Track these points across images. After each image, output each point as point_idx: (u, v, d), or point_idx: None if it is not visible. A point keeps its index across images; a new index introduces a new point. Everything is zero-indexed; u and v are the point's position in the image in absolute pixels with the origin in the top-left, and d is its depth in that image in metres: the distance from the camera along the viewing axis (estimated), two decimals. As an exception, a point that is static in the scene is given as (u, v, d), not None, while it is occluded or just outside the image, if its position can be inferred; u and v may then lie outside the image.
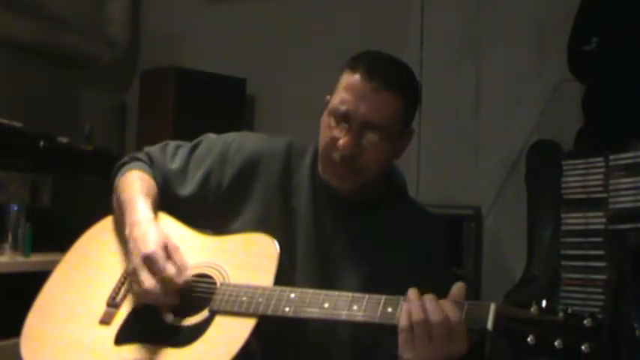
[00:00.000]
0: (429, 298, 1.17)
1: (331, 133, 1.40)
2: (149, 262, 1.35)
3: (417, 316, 1.15)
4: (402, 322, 1.17)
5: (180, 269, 1.36)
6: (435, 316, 1.14)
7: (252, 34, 3.55)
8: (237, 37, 3.58)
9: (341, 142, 1.38)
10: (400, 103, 1.40)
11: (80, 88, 3.66)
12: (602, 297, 2.22)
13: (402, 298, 1.20)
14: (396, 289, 1.24)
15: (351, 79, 1.40)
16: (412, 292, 1.19)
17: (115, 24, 3.64)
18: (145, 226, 1.42)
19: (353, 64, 1.41)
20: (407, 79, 1.45)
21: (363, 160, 1.40)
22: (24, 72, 3.31)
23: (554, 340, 1.07)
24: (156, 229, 1.41)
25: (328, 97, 1.47)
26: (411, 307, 1.17)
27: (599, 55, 2.39)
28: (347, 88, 1.40)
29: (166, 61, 3.44)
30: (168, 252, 1.37)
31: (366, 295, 1.24)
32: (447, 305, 1.16)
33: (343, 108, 1.38)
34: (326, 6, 3.39)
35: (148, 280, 1.34)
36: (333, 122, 1.40)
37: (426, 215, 1.57)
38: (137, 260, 1.36)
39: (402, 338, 1.17)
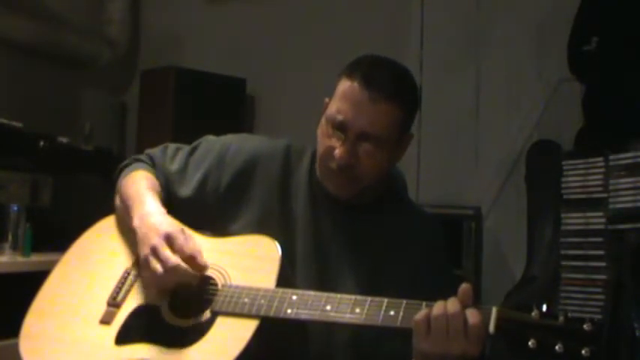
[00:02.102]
0: (451, 298, 1.18)
1: (328, 141, 1.39)
2: (170, 240, 1.35)
3: (438, 310, 1.16)
4: (420, 315, 1.17)
5: (197, 255, 1.37)
6: (452, 310, 1.15)
7: (252, 34, 3.55)
8: (237, 37, 3.59)
9: (337, 152, 1.37)
10: (398, 113, 1.38)
11: (80, 88, 3.67)
12: (602, 297, 2.22)
13: (404, 301, 1.20)
14: (395, 290, 1.25)
15: (348, 87, 1.38)
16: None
17: (115, 24, 3.64)
18: (159, 216, 1.42)
19: (351, 71, 1.39)
20: (406, 87, 1.42)
21: (360, 169, 1.39)
22: (24, 72, 3.31)
23: (555, 344, 1.08)
24: (171, 218, 1.42)
25: (327, 99, 1.46)
26: (432, 306, 1.18)
27: (599, 55, 2.39)
28: (343, 97, 1.38)
29: (166, 61, 3.44)
30: (185, 236, 1.38)
31: (368, 298, 1.24)
32: (470, 309, 1.16)
33: (340, 117, 1.37)
34: (326, 6, 3.40)
35: (171, 258, 1.33)
36: (329, 130, 1.39)
37: (425, 217, 1.57)
38: (156, 241, 1.35)
39: (417, 330, 1.17)
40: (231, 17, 3.63)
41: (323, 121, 1.42)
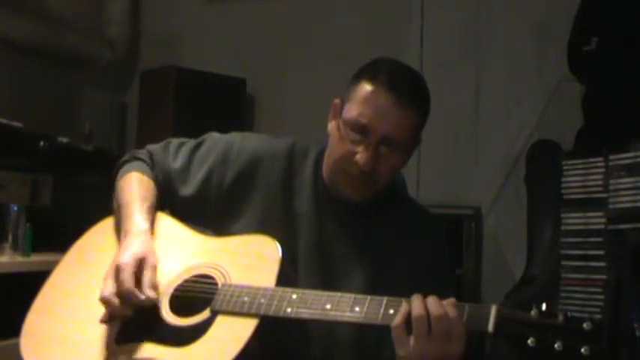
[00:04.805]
0: (431, 297, 1.18)
1: (347, 145, 1.39)
2: (117, 271, 1.34)
3: (418, 311, 1.15)
4: (397, 319, 1.17)
5: (145, 286, 1.35)
6: (435, 312, 1.15)
7: (252, 34, 3.55)
8: (237, 37, 3.58)
9: (360, 157, 1.37)
10: (418, 118, 1.40)
11: (80, 88, 3.66)
12: (602, 297, 2.22)
13: (403, 299, 1.20)
14: (397, 290, 1.24)
15: (370, 91, 1.37)
16: (416, 296, 1.19)
17: (115, 24, 3.64)
18: (133, 237, 1.42)
19: (372, 75, 1.39)
20: (425, 92, 1.44)
21: (380, 173, 1.39)
22: (24, 72, 3.31)
23: (554, 343, 1.08)
24: (141, 241, 1.41)
25: (337, 100, 1.46)
26: (411, 305, 1.17)
27: (599, 55, 2.39)
28: (367, 101, 1.37)
29: (166, 61, 3.44)
30: (140, 266, 1.36)
31: (368, 297, 1.23)
32: (447, 304, 1.16)
33: (363, 121, 1.36)
34: (326, 6, 3.40)
35: (108, 289, 1.34)
36: (349, 134, 1.38)
37: (427, 215, 1.57)
38: (110, 268, 1.36)
39: (395, 335, 1.17)
40: (231, 17, 3.63)
41: (338, 124, 1.42)
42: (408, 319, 1.17)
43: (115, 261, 1.37)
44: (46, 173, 2.83)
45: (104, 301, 1.33)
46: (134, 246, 1.39)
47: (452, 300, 1.18)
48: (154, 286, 1.36)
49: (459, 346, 1.14)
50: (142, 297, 1.33)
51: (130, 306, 1.34)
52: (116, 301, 1.33)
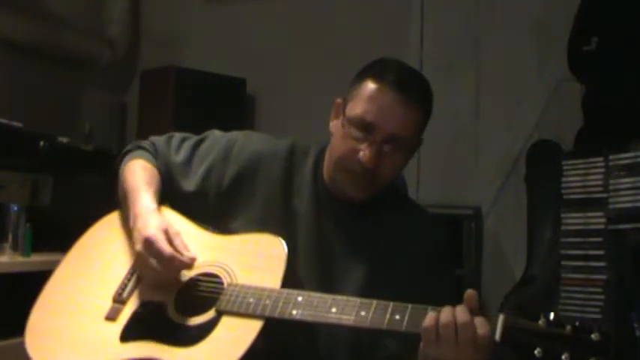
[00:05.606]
0: (460, 306, 1.16)
1: (351, 143, 1.39)
2: (149, 244, 1.36)
3: (446, 318, 1.14)
4: (427, 321, 1.15)
5: (182, 250, 1.38)
6: (463, 319, 1.13)
7: (252, 34, 3.55)
8: (237, 37, 3.58)
9: (364, 154, 1.37)
10: (422, 117, 1.42)
11: (80, 88, 3.66)
12: (602, 297, 2.22)
13: (410, 305, 1.19)
14: (395, 289, 1.25)
15: (376, 89, 1.38)
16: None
17: (115, 24, 3.64)
18: (147, 216, 1.43)
19: (379, 74, 1.40)
20: (429, 91, 1.45)
21: (383, 171, 1.40)
22: (24, 72, 3.30)
23: (562, 354, 1.06)
24: (157, 217, 1.43)
25: (339, 100, 1.46)
26: (440, 312, 1.16)
27: (599, 55, 2.39)
28: (372, 99, 1.38)
29: (166, 61, 3.43)
30: (168, 236, 1.38)
31: (374, 301, 1.23)
32: (478, 317, 1.14)
33: (368, 118, 1.37)
34: (326, 6, 3.40)
35: (154, 263, 1.35)
36: (353, 132, 1.39)
37: (426, 216, 1.57)
38: (139, 246, 1.37)
39: (426, 336, 1.16)
40: (231, 17, 3.63)
41: (342, 122, 1.42)
42: (436, 325, 1.15)
43: (141, 237, 1.38)
44: (46, 173, 2.83)
45: (156, 275, 1.36)
46: (153, 220, 1.41)
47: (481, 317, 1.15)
48: (187, 249, 1.39)
49: (486, 356, 1.13)
50: (185, 259, 1.36)
51: (176, 273, 1.37)
52: (165, 272, 1.36)
